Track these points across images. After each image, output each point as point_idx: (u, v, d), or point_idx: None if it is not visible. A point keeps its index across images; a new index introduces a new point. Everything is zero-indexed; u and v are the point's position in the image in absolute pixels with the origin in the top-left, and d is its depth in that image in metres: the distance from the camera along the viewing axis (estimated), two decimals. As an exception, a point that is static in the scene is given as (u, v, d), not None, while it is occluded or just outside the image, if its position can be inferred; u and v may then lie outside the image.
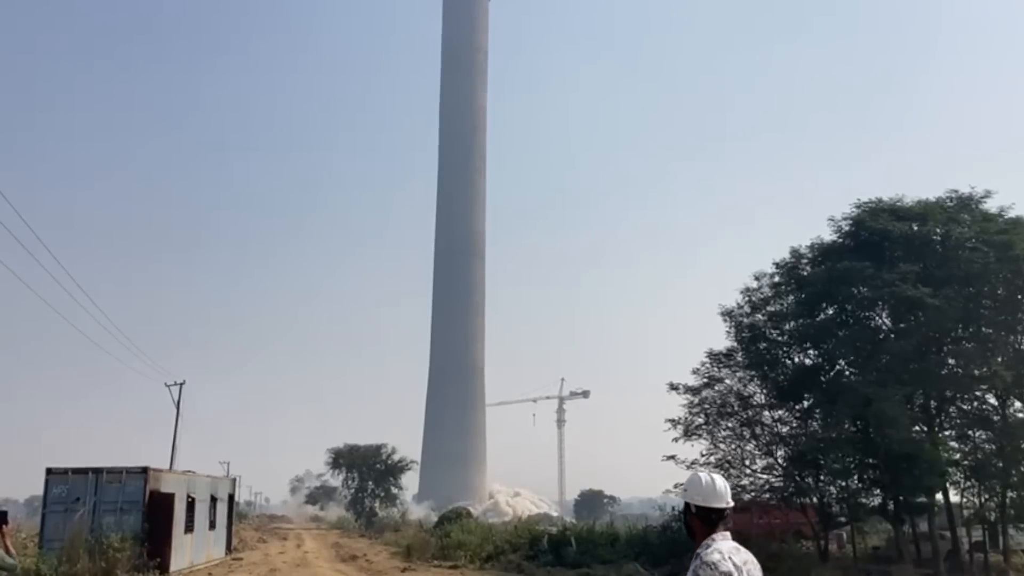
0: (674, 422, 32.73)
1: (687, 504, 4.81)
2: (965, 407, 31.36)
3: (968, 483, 31.05)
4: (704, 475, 4.83)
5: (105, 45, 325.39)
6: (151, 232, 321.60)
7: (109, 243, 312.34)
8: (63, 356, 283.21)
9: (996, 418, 30.70)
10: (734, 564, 4.49)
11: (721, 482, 4.79)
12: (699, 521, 4.73)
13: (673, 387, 33.15)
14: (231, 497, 39.38)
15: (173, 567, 26.62)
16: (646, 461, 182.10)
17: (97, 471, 26.61)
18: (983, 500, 31.23)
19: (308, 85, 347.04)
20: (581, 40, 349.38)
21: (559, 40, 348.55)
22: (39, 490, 30.32)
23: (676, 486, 33.08)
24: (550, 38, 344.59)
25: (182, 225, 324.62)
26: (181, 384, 57.42)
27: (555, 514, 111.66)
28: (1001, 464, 29.49)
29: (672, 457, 32.03)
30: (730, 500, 4.77)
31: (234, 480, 45.23)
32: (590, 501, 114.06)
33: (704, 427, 32.62)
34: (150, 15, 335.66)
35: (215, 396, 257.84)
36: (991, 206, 31.87)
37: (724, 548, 4.56)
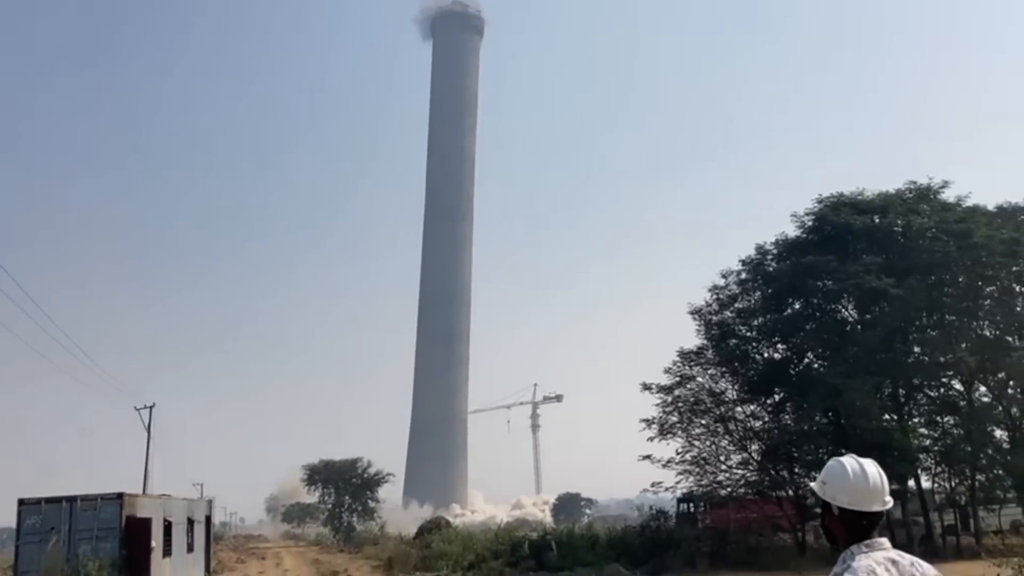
0: (648, 422, 33.03)
1: (826, 504, 3.43)
2: (932, 394, 31.97)
3: (939, 468, 31.66)
4: (850, 462, 3.40)
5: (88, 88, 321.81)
6: (119, 250, 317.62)
7: (71, 262, 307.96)
8: (28, 385, 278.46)
9: (963, 403, 31.34)
10: None
11: (875, 472, 3.36)
12: (844, 527, 3.35)
13: (646, 387, 33.44)
14: (208, 519, 38.95)
15: (152, 593, 26.33)
16: (622, 462, 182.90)
17: (71, 499, 26.24)
18: (953, 484, 31.83)
19: (295, 129, 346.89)
20: (568, 77, 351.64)
21: (547, 77, 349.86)
22: (11, 522, 29.88)
23: (653, 485, 33.43)
24: (539, 77, 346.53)
25: (153, 242, 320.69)
26: (151, 407, 56.76)
27: (541, 514, 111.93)
28: (969, 448, 30.10)
29: (648, 457, 32.35)
30: (889, 498, 3.39)
31: (210, 501, 44.77)
32: (568, 504, 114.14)
33: (679, 425, 32.94)
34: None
35: (185, 417, 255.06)
36: (949, 195, 32.64)
37: (864, 565, 3.18)
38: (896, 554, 3.26)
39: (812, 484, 3.54)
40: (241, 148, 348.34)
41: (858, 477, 3.31)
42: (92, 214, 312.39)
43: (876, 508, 3.30)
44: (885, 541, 3.29)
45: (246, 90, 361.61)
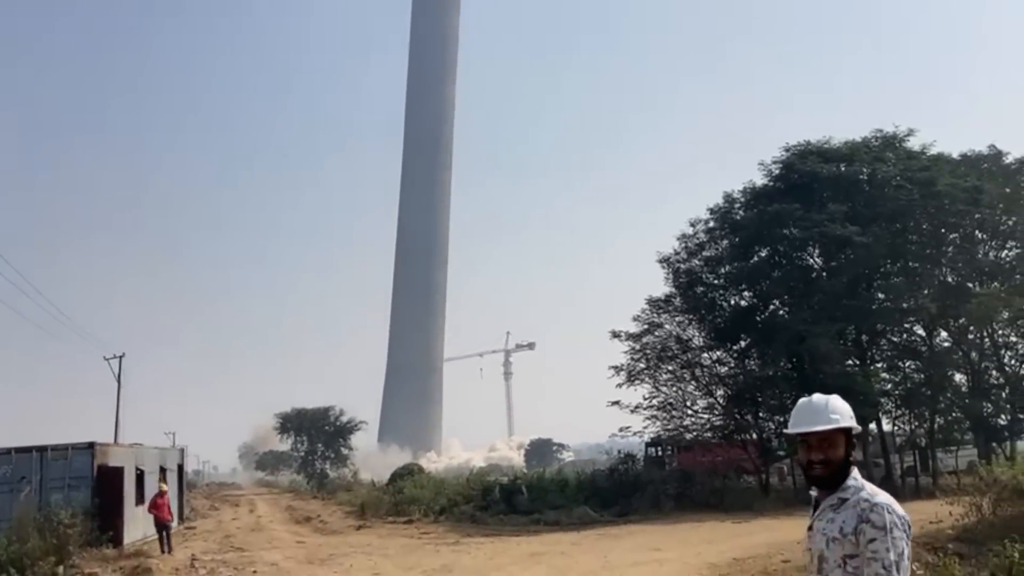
0: (617, 368, 33.46)
1: (849, 436, 3.49)
2: (895, 339, 32.65)
3: (899, 412, 32.45)
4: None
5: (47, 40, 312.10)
6: (90, 203, 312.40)
7: (42, 217, 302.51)
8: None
9: (924, 348, 32.07)
10: None
11: None
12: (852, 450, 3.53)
13: (615, 335, 33.80)
14: (180, 467, 39.13)
15: (127, 540, 26.44)
16: (593, 408, 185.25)
17: (41, 449, 26.24)
18: (913, 427, 32.67)
19: (269, 77, 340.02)
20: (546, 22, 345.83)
21: (526, 20, 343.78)
22: (-20, 472, 29.74)
23: (621, 430, 34.00)
24: (518, 20, 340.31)
25: (125, 195, 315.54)
26: (121, 357, 56.42)
27: (516, 457, 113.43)
28: (929, 392, 30.87)
29: (617, 402, 32.88)
30: None
31: (182, 450, 44.90)
32: (540, 449, 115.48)
33: (646, 372, 33.39)
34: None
35: (157, 367, 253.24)
36: (914, 144, 32.97)
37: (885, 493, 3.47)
38: None
39: (848, 423, 3.47)
40: (215, 99, 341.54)
41: None
42: (62, 171, 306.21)
43: None
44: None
45: (218, 40, 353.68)
